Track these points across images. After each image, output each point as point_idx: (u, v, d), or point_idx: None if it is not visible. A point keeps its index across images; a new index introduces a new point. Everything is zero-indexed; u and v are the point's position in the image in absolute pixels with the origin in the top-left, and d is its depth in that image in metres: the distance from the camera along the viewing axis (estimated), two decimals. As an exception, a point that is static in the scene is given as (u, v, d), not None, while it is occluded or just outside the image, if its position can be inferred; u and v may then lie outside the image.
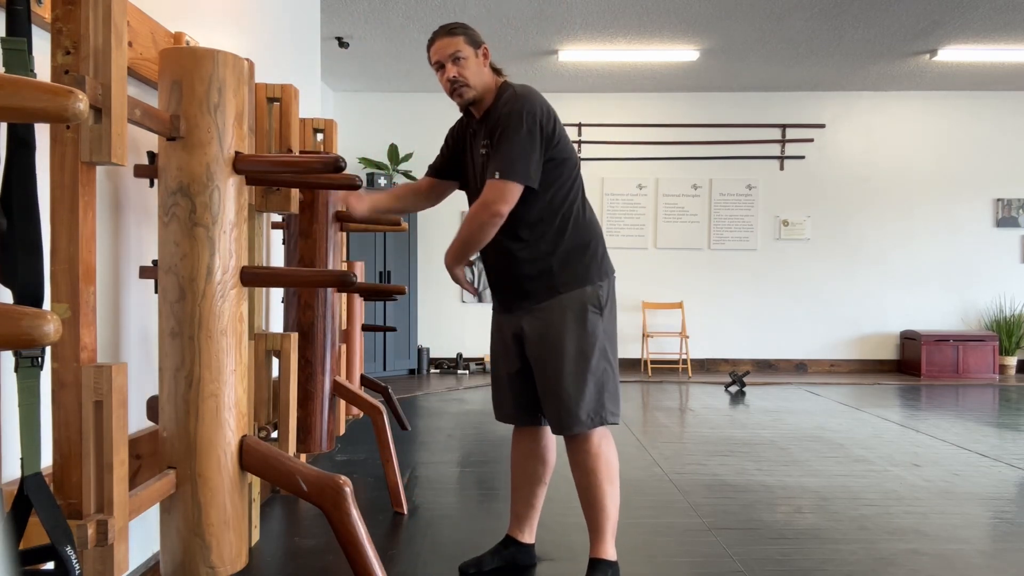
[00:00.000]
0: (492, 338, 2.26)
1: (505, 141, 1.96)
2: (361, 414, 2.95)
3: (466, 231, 2.00)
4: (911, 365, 7.19)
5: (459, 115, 2.23)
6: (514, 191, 1.95)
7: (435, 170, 2.31)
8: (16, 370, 1.19)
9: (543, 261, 2.05)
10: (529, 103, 1.98)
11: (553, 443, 2.28)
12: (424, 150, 7.31)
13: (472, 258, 2.14)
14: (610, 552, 2.13)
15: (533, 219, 2.04)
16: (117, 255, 1.85)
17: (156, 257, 1.99)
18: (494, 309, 2.26)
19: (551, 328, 2.05)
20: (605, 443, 2.09)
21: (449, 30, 2.04)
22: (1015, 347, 7.26)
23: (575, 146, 7.36)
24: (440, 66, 2.05)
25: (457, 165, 2.24)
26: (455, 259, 2.08)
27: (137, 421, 1.93)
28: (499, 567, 2.28)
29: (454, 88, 2.04)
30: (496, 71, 2.13)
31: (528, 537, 2.33)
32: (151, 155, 1.84)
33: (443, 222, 7.36)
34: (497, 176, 1.95)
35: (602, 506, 2.09)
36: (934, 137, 7.39)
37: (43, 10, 1.45)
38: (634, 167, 7.43)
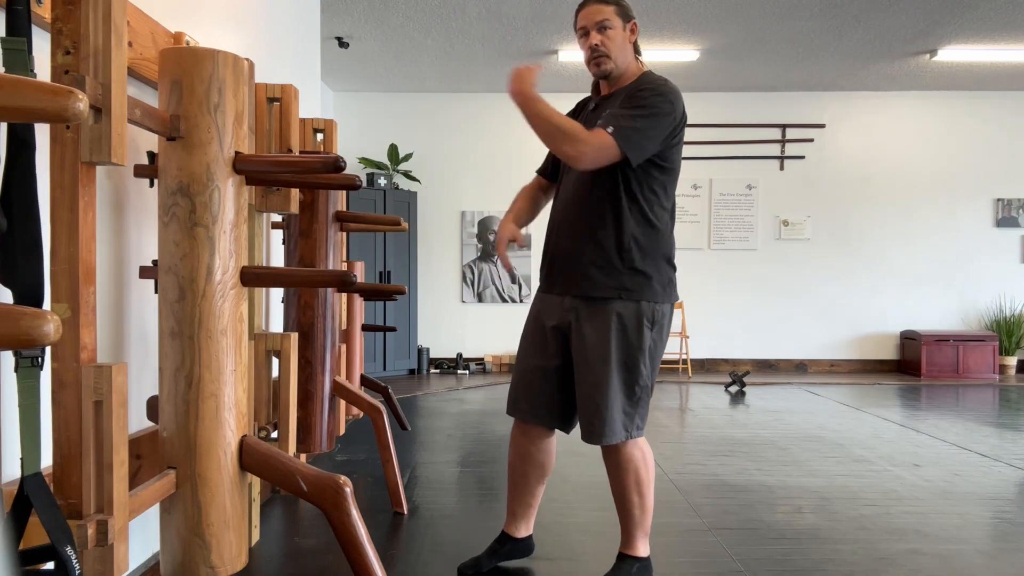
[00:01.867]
0: (527, 327, 2.16)
1: (638, 108, 1.88)
2: (361, 414, 2.95)
3: (550, 124, 1.85)
4: (911, 365, 7.19)
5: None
6: (612, 150, 1.86)
7: (544, 171, 2.28)
8: (16, 370, 1.19)
9: (618, 254, 1.97)
10: (677, 97, 1.93)
11: (555, 446, 2.26)
12: (424, 150, 7.31)
13: (521, 245, 2.08)
14: (639, 549, 2.11)
15: (626, 204, 1.96)
16: (117, 255, 1.85)
17: (156, 257, 2.00)
18: (539, 291, 2.17)
19: (604, 332, 1.97)
20: (637, 453, 2.05)
21: None
22: (1015, 347, 7.27)
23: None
24: (585, 32, 1.99)
25: None
26: (530, 102, 1.87)
27: (137, 421, 1.93)
28: (498, 565, 2.29)
29: (594, 56, 1.99)
30: (638, 53, 2.06)
31: (524, 531, 2.31)
32: (151, 155, 1.84)
33: (444, 222, 7.37)
34: (611, 130, 1.85)
35: (629, 513, 2.08)
36: (934, 137, 7.39)
37: (43, 10, 1.45)
38: (634, 167, 7.42)
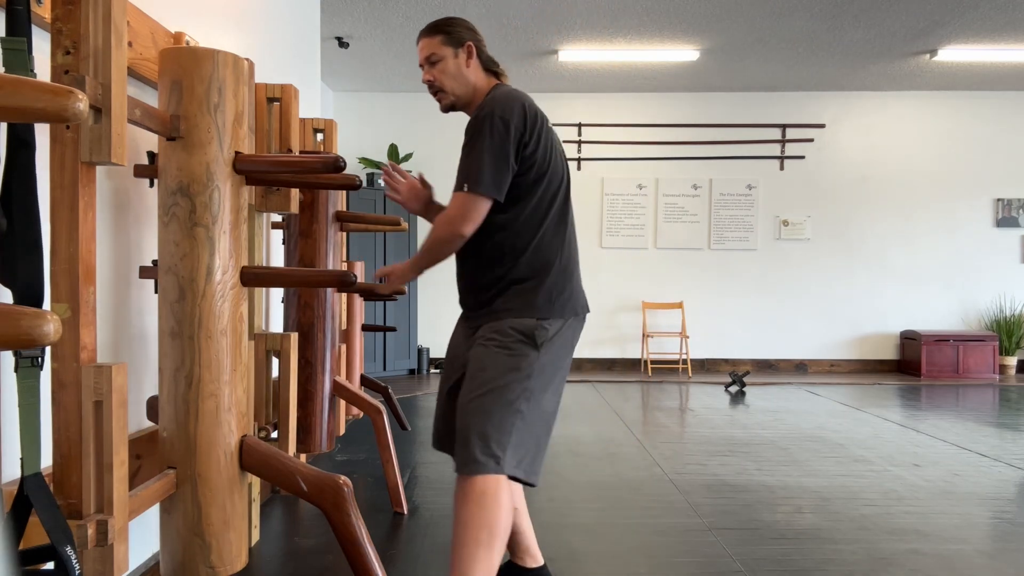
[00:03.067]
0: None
1: (472, 148, 1.77)
2: (361, 414, 2.95)
3: (428, 244, 1.83)
4: (911, 365, 7.19)
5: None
6: (481, 206, 1.77)
7: None
8: (16, 370, 1.19)
9: (496, 286, 1.84)
10: (504, 107, 1.77)
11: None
12: (424, 150, 7.32)
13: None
14: None
15: (494, 231, 1.83)
16: (117, 255, 1.85)
17: (156, 257, 2.00)
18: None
19: (480, 347, 1.81)
20: (491, 499, 1.68)
21: (429, 29, 1.89)
22: (1015, 347, 7.26)
23: (576, 146, 7.37)
24: (422, 68, 1.93)
25: None
26: (414, 269, 1.87)
27: (137, 421, 1.93)
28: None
29: (432, 92, 1.93)
30: (494, 72, 1.95)
31: (533, 561, 2.06)
32: (151, 155, 1.84)
33: (443, 222, 7.36)
34: (465, 188, 1.76)
35: (461, 571, 1.68)
36: (934, 137, 7.39)
37: (43, 10, 1.45)
38: (634, 167, 7.43)
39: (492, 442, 1.70)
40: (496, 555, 1.71)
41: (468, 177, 1.76)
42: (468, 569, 1.67)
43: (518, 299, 1.82)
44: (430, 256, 1.83)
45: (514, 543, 2.05)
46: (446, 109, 1.96)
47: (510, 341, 1.78)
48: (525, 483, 1.77)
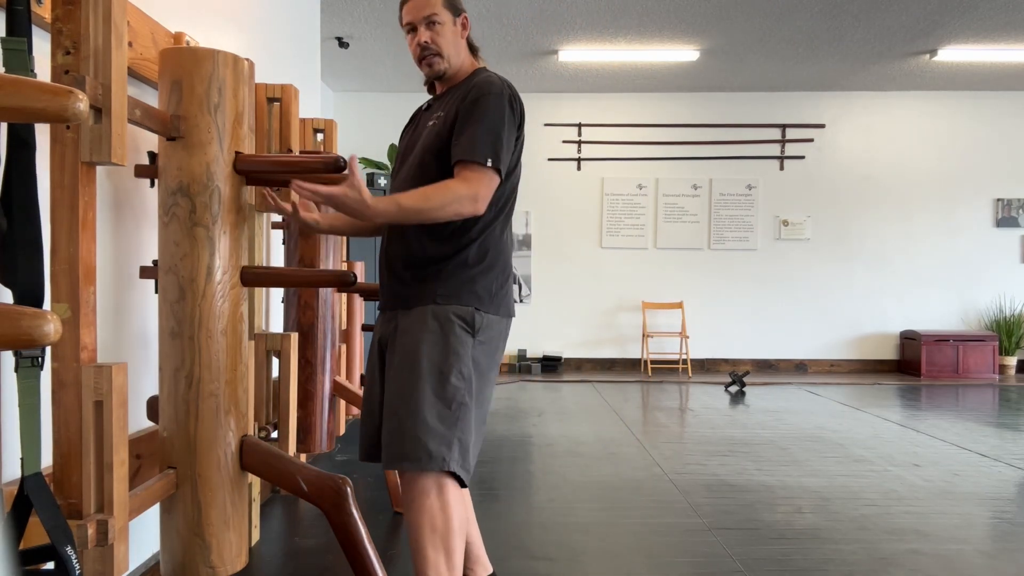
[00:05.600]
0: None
1: (489, 119, 1.64)
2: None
3: (432, 201, 1.57)
4: (911, 365, 7.18)
5: None
6: (495, 184, 1.64)
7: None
8: (16, 370, 1.19)
9: (437, 266, 1.70)
10: (514, 91, 1.72)
11: None
12: (424, 150, 7.31)
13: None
14: None
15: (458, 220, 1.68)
16: (117, 255, 1.85)
17: (156, 257, 2.00)
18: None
19: (410, 335, 1.66)
20: (439, 498, 1.59)
21: None
22: (1015, 347, 7.26)
23: (576, 147, 7.37)
24: (412, 28, 1.76)
25: None
26: (388, 213, 1.55)
27: (137, 421, 1.93)
28: (498, 565, 2.27)
29: (424, 55, 1.75)
30: (473, 50, 1.85)
31: (484, 570, 1.99)
32: (151, 155, 1.84)
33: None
34: (490, 163, 1.61)
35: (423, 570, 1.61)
36: (934, 137, 7.39)
37: (43, 10, 1.45)
38: (634, 167, 7.43)
39: (437, 436, 1.58)
40: (456, 556, 1.62)
41: (494, 152, 1.62)
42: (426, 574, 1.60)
43: (460, 286, 1.69)
44: (421, 215, 1.58)
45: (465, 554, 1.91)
46: (435, 77, 1.79)
47: (452, 328, 1.65)
48: (463, 484, 1.64)
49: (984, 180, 7.39)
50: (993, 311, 7.39)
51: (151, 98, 1.97)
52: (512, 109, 1.69)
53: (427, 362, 1.62)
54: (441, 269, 1.69)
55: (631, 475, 3.41)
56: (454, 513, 1.61)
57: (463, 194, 1.59)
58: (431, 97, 1.86)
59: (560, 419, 4.80)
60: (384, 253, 1.77)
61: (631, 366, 7.39)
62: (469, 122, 1.65)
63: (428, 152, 1.70)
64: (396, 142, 7.23)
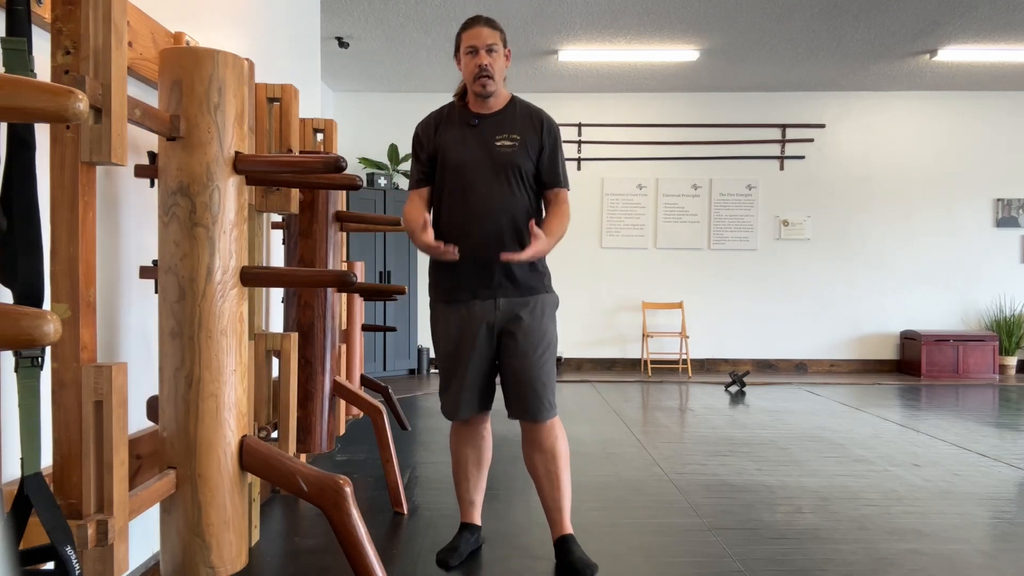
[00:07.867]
0: (451, 333, 2.28)
1: (560, 153, 2.28)
2: (361, 414, 2.95)
3: (558, 234, 2.20)
4: (911, 365, 7.19)
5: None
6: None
7: (428, 178, 2.29)
8: (16, 370, 1.19)
9: (543, 261, 2.27)
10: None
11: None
12: (424, 150, 7.31)
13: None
14: (570, 526, 2.32)
15: (535, 213, 2.29)
16: (117, 255, 1.85)
17: (156, 257, 2.00)
18: (455, 301, 2.25)
19: (541, 321, 2.22)
20: (561, 429, 2.31)
21: (491, 23, 2.18)
22: (1015, 347, 7.27)
23: (576, 146, 7.38)
24: (473, 51, 2.15)
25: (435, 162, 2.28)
26: (549, 249, 2.20)
27: (137, 421, 1.93)
28: (474, 549, 2.42)
29: (480, 75, 2.15)
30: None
31: (478, 519, 2.48)
32: (151, 155, 1.84)
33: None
34: (569, 190, 2.31)
35: (567, 487, 2.29)
36: (934, 137, 7.39)
37: (43, 10, 1.45)
38: (634, 167, 7.43)
39: (552, 393, 2.25)
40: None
41: (566, 179, 2.29)
42: (568, 486, 2.30)
43: (542, 277, 2.27)
44: (556, 242, 2.23)
45: (476, 501, 2.45)
46: (484, 95, 2.19)
47: (552, 312, 2.28)
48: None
49: (984, 180, 7.39)
50: (993, 311, 7.39)
51: (151, 98, 1.96)
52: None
53: (547, 342, 2.23)
54: (539, 263, 2.25)
55: (631, 475, 3.41)
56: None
57: (567, 217, 2.27)
58: (472, 113, 2.24)
59: (560, 419, 4.80)
60: (482, 247, 2.18)
61: (631, 366, 7.40)
62: (557, 155, 2.27)
63: (513, 172, 2.20)
64: (396, 142, 7.25)
